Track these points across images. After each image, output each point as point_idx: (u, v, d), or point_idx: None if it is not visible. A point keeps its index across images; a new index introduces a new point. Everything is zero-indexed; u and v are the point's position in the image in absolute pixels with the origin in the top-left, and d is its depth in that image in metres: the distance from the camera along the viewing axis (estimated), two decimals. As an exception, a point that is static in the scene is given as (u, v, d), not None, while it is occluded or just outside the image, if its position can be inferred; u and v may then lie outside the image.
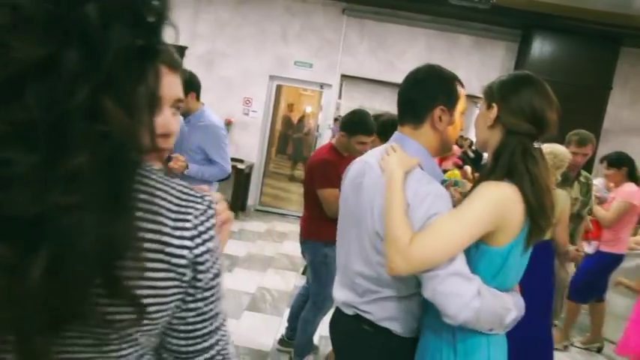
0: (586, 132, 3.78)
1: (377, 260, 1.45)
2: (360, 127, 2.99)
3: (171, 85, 0.91)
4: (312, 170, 3.09)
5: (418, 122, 1.55)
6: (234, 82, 7.49)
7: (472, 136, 11.87)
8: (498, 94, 1.44)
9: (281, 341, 3.56)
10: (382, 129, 2.96)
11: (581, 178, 3.73)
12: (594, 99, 6.96)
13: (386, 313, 1.51)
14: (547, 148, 3.22)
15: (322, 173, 2.99)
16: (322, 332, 3.99)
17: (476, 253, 1.36)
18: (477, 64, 7.34)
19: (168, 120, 0.91)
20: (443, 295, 1.30)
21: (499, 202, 1.33)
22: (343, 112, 7.25)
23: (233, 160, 7.15)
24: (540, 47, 6.94)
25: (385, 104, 10.66)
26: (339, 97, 10.95)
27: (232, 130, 7.50)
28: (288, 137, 12.24)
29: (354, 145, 2.99)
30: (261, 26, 7.42)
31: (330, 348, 3.46)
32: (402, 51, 7.43)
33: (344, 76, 7.88)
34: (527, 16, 6.87)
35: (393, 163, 1.42)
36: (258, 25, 7.42)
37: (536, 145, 1.40)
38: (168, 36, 0.57)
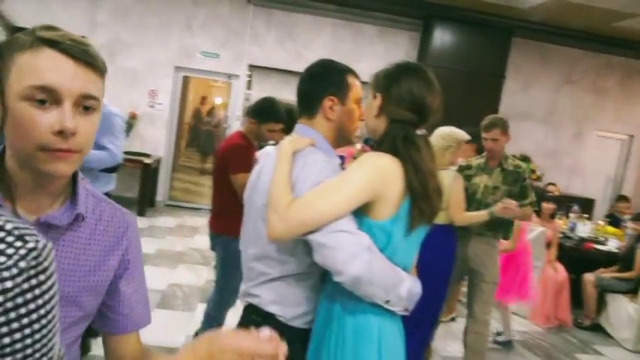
0: (496, 116, 3.60)
1: (264, 232, 1.45)
2: (270, 115, 3.02)
3: (74, 79, 0.83)
4: (225, 157, 3.03)
5: (311, 113, 1.60)
6: (139, 73, 7.22)
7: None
8: (382, 84, 1.49)
9: (195, 337, 3.51)
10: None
11: (508, 167, 3.47)
12: (491, 86, 7.39)
13: (272, 296, 1.52)
14: (437, 130, 3.37)
15: (235, 158, 2.96)
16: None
17: (360, 226, 1.39)
18: (382, 54, 7.53)
19: (64, 116, 0.82)
20: (329, 249, 1.32)
21: (380, 171, 1.36)
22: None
23: (139, 154, 6.98)
24: (441, 37, 7.24)
25: (295, 95, 10.70)
26: (249, 87, 10.86)
27: (138, 123, 7.24)
28: (199, 130, 11.98)
29: (264, 133, 3.01)
30: (166, 15, 7.19)
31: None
32: (310, 41, 7.49)
33: (252, 67, 7.83)
34: (428, 6, 7.15)
35: (284, 142, 1.50)
36: (162, 14, 7.18)
37: (419, 132, 1.44)
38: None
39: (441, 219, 3.49)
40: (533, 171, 7.70)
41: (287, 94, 11.45)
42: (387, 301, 1.38)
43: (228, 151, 3.04)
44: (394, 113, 1.45)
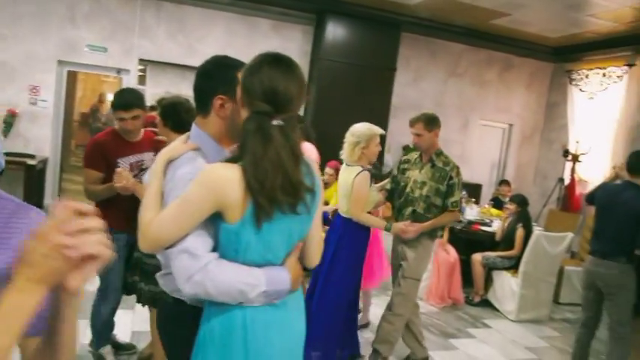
0: (424, 112, 3.60)
1: None
2: (115, 102, 2.93)
3: None
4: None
5: (205, 112, 1.61)
6: (16, 67, 6.68)
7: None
8: (241, 77, 1.47)
9: (92, 343, 3.34)
10: (164, 113, 2.90)
11: (438, 163, 3.52)
12: (383, 79, 7.65)
13: (171, 287, 1.61)
14: (352, 127, 3.49)
15: (87, 153, 2.98)
16: (135, 328, 3.85)
17: (218, 230, 1.44)
18: (277, 48, 7.29)
19: None
20: (174, 270, 1.42)
21: (213, 185, 1.37)
22: (149, 99, 6.93)
23: (22, 155, 6.47)
24: (333, 31, 7.38)
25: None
26: (143, 83, 10.45)
27: (18, 122, 6.73)
28: (93, 128, 11.39)
29: (117, 122, 2.95)
30: (44, 5, 6.70)
31: (147, 342, 3.37)
32: (203, 35, 7.34)
33: (144, 61, 7.54)
34: (320, 1, 7.27)
35: (162, 151, 1.56)
36: (38, 3, 6.68)
37: (275, 122, 1.40)
38: None
39: (346, 212, 3.60)
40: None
41: (184, 89, 11.13)
42: (241, 303, 1.44)
43: (86, 146, 3.06)
44: (250, 105, 1.43)
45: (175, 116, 2.78)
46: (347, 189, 3.47)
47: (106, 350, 3.35)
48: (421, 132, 3.46)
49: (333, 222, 3.73)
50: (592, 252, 3.64)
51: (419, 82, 8.47)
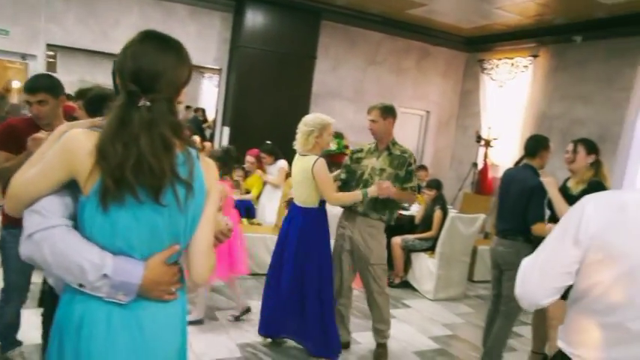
0: (382, 102, 3.84)
1: None
2: (24, 85, 2.81)
3: None
4: None
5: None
6: None
7: (202, 105, 11.94)
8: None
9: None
10: (89, 105, 2.76)
11: (395, 151, 3.74)
12: (303, 67, 7.67)
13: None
14: (305, 117, 3.56)
15: None
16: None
17: (78, 201, 1.36)
18: (194, 35, 7.38)
19: None
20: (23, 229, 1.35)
21: (68, 149, 1.31)
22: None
23: None
24: (253, 18, 7.30)
25: (109, 77, 10.02)
26: (54, 69, 9.88)
27: None
28: (-2, 117, 10.66)
29: (27, 107, 2.84)
30: None
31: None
32: (116, 20, 7.03)
33: (53, 47, 7.13)
34: (238, -13, 7.16)
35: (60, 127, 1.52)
36: None
37: (141, 103, 1.33)
38: None
39: (304, 202, 3.62)
40: (346, 147, 8.20)
41: (99, 76, 10.64)
42: (81, 285, 1.32)
43: None
44: (122, 85, 1.37)
45: (100, 108, 2.66)
46: (306, 178, 3.53)
47: (16, 353, 3.17)
48: (377, 119, 3.71)
49: (290, 214, 3.75)
50: (496, 232, 3.86)
51: (339, 70, 8.56)
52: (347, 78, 8.65)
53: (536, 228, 3.42)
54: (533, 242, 3.59)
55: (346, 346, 3.97)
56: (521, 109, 8.32)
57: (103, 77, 10.53)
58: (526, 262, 1.59)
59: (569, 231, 1.46)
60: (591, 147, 3.56)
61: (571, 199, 3.39)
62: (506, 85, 8.68)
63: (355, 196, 3.60)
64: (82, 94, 3.28)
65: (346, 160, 3.96)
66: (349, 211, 3.79)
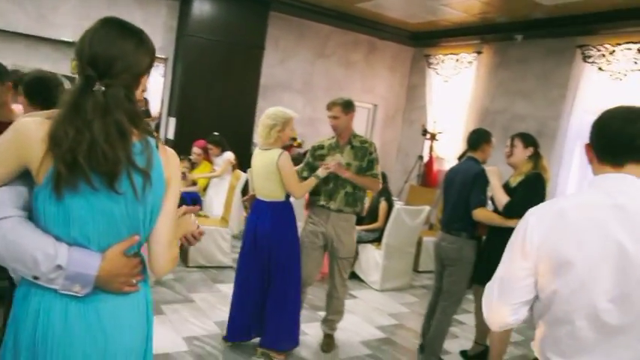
0: (342, 97, 3.83)
1: None
2: None
3: None
4: None
5: None
6: None
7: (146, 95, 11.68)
8: None
9: None
10: (27, 89, 2.64)
11: (357, 143, 3.79)
12: (251, 58, 7.60)
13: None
14: (267, 110, 3.53)
15: None
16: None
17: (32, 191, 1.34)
18: (140, 23, 7.02)
19: None
20: None
21: (19, 136, 1.29)
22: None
23: None
24: (200, 7, 7.16)
25: (48, 63, 9.60)
26: (-14, 55, 9.39)
27: None
28: None
29: None
30: None
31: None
32: (55, 5, 6.74)
33: (-16, 30, 6.77)
34: (184, -25, 7.01)
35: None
36: None
37: (96, 87, 1.31)
38: None
39: (269, 197, 3.58)
40: (294, 139, 8.22)
41: (36, 62, 10.17)
42: (36, 277, 1.29)
43: None
44: (81, 69, 1.34)
45: (46, 92, 2.53)
46: (271, 172, 3.49)
47: None
48: (338, 114, 3.71)
49: (255, 210, 3.70)
50: (440, 227, 3.93)
51: (287, 62, 8.53)
52: (296, 70, 8.63)
53: (477, 212, 3.51)
54: (476, 239, 3.71)
55: None
56: (465, 103, 8.55)
57: (39, 62, 10.12)
58: (488, 284, 1.60)
59: (517, 245, 1.49)
60: (528, 140, 3.64)
61: (510, 191, 3.51)
62: (452, 80, 8.89)
63: (312, 181, 3.62)
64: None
65: (307, 157, 3.96)
66: (321, 208, 3.79)
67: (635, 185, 1.39)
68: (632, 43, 6.45)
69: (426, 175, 8.75)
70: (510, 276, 1.50)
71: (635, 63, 6.43)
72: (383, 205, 5.74)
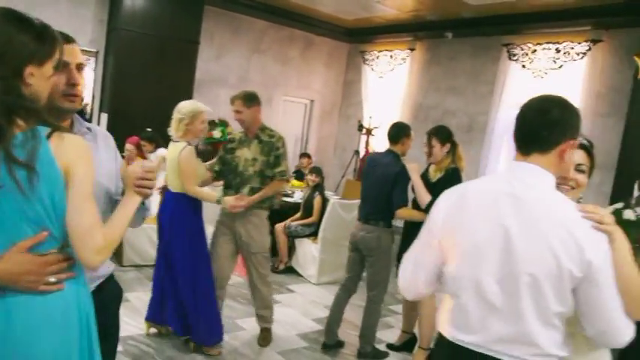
0: (244, 91, 3.79)
1: None
2: None
3: None
4: None
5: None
6: None
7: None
8: None
9: None
10: None
11: (264, 137, 3.69)
12: (185, 52, 7.48)
13: None
14: (179, 104, 3.49)
15: None
16: None
17: None
18: (66, 13, 6.89)
19: None
20: None
21: None
22: None
23: None
24: (132, 0, 6.98)
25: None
26: None
27: None
28: None
29: None
30: None
31: None
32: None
33: None
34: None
35: None
36: None
37: None
38: None
39: (175, 188, 3.55)
40: (229, 134, 8.18)
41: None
42: None
43: None
44: None
45: None
46: (174, 164, 3.47)
47: None
48: (240, 108, 3.65)
49: (164, 201, 3.70)
50: (358, 217, 4.00)
51: (223, 58, 8.46)
52: (232, 65, 8.58)
53: (401, 212, 3.65)
54: (393, 228, 3.84)
55: None
56: (399, 99, 8.77)
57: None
58: (404, 258, 1.73)
59: (428, 223, 1.63)
60: (444, 137, 3.71)
61: (430, 186, 3.63)
62: (386, 76, 9.10)
63: (210, 197, 3.58)
64: None
65: (220, 150, 3.94)
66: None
67: (534, 175, 1.47)
68: (551, 43, 6.82)
69: (362, 170, 8.90)
70: (422, 250, 1.65)
71: (555, 62, 6.82)
72: (318, 199, 5.82)
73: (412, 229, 3.50)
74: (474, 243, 1.48)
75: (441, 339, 1.60)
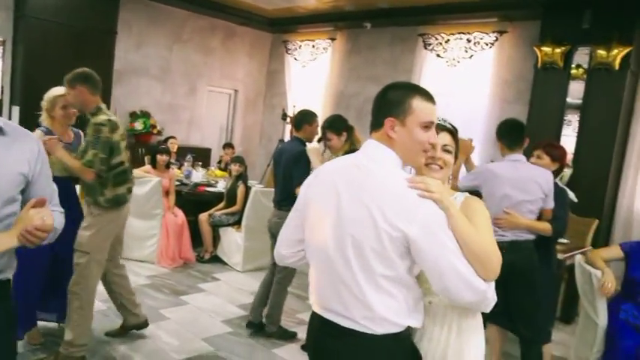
0: (73, 71, 3.33)
1: None
2: None
3: None
4: None
5: None
6: None
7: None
8: None
9: None
10: None
11: (93, 120, 3.21)
12: (102, 43, 7.28)
13: None
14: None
15: None
16: None
17: None
18: None
19: None
20: None
21: None
22: None
23: None
24: (41, -13, 6.70)
25: None
26: None
27: None
28: None
29: None
30: None
31: None
32: None
33: None
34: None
35: None
36: None
37: None
38: None
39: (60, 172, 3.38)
40: (153, 126, 8.06)
41: None
42: None
43: None
44: None
45: None
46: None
47: None
48: (67, 91, 3.30)
49: None
50: (273, 204, 4.19)
51: (143, 48, 8.28)
52: (152, 56, 8.41)
53: (299, 191, 3.79)
54: None
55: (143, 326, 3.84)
56: (322, 88, 8.93)
57: None
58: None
59: (296, 203, 1.84)
60: (339, 128, 3.87)
61: None
62: (309, 66, 9.23)
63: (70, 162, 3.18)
64: None
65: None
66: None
67: (373, 149, 1.60)
68: (463, 33, 7.18)
69: (274, 158, 9.01)
70: (289, 220, 1.86)
71: (466, 51, 7.19)
72: (241, 188, 5.88)
73: None
74: (317, 212, 1.65)
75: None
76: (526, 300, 3.18)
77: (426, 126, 1.57)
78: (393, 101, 1.58)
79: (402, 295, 1.51)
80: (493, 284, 1.51)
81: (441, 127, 1.74)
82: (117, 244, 3.63)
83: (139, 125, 7.82)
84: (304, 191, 1.77)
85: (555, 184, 3.37)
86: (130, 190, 3.45)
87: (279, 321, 4.12)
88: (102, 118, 3.25)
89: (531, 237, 3.29)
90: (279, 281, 4.02)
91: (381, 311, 1.49)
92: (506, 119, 3.61)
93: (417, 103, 1.56)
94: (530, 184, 3.23)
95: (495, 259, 1.49)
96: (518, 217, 3.20)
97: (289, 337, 4.13)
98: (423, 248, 1.44)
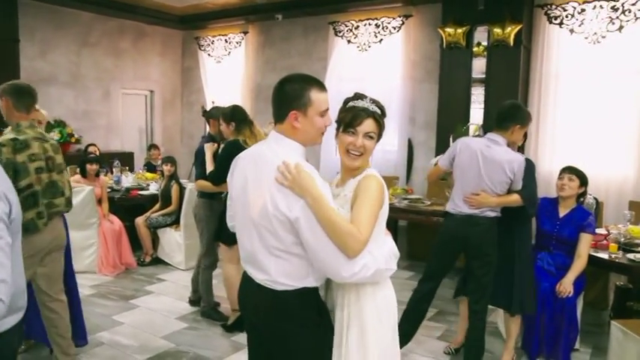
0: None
1: None
2: None
3: None
4: None
5: None
6: None
7: None
8: None
9: None
10: None
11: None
12: (5, 52, 6.97)
13: None
14: None
15: None
16: None
17: None
18: None
19: None
20: None
21: None
22: None
23: None
24: None
25: None
26: None
27: None
28: None
29: None
30: None
31: None
32: None
33: None
34: None
35: None
36: None
37: None
38: None
39: None
40: (71, 135, 7.81)
41: None
42: None
43: None
44: None
45: None
46: None
47: None
48: None
49: None
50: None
51: (49, 54, 7.98)
52: (60, 62, 8.12)
53: (197, 183, 4.22)
54: (209, 197, 4.29)
55: None
56: (239, 82, 9.01)
57: None
58: None
59: None
60: (226, 118, 4.00)
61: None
62: (224, 61, 9.27)
63: None
64: None
65: None
66: None
67: (276, 140, 1.79)
68: (371, 19, 7.54)
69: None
70: (230, 201, 2.03)
71: (376, 36, 7.56)
72: (175, 188, 5.91)
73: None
74: (236, 194, 1.88)
75: None
76: (478, 272, 3.33)
77: (323, 114, 1.77)
78: (293, 95, 1.72)
79: (295, 260, 1.72)
80: (370, 258, 1.69)
81: (367, 114, 1.87)
82: (42, 280, 3.14)
83: (55, 136, 7.55)
84: (229, 177, 1.94)
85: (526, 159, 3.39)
86: (40, 216, 2.97)
87: (209, 299, 4.47)
88: (6, 137, 2.96)
89: (492, 214, 3.31)
90: (199, 265, 4.52)
91: (276, 274, 1.73)
92: (505, 102, 3.52)
93: (315, 95, 1.72)
94: (494, 165, 3.24)
95: (350, 239, 1.62)
96: (488, 197, 3.25)
97: (218, 319, 4.39)
98: (300, 231, 1.65)
